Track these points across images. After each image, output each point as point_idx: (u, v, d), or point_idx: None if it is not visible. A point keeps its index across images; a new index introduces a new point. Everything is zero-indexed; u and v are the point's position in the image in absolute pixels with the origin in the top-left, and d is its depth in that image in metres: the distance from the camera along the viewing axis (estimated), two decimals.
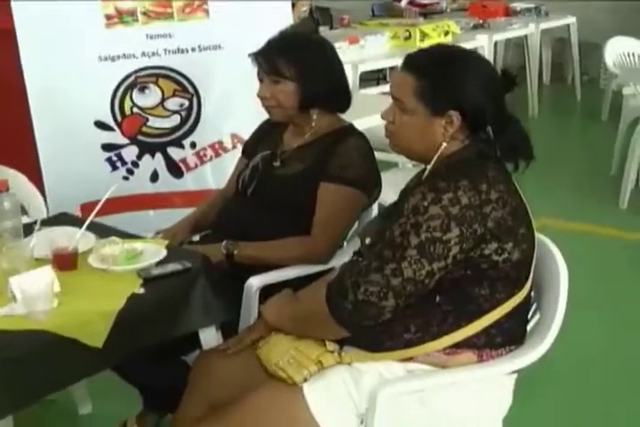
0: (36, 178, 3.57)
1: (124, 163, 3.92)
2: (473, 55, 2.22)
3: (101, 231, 2.53)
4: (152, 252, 2.40)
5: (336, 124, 2.82)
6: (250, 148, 3.04)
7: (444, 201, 1.99)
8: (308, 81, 2.73)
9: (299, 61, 2.73)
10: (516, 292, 2.08)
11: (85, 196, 3.51)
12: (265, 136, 3.00)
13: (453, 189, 2.00)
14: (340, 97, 2.83)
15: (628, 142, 5.35)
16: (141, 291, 2.20)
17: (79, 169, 3.80)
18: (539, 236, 2.23)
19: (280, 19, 3.94)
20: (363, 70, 5.89)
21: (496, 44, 8.23)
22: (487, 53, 6.89)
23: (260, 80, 2.79)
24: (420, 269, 1.96)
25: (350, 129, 2.82)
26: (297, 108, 2.76)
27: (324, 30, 6.96)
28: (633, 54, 6.00)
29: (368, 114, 3.49)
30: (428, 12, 8.27)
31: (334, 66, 2.83)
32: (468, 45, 6.69)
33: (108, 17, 3.74)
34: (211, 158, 3.96)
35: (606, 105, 7.23)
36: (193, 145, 3.98)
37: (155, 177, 3.98)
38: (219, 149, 3.96)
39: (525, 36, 7.60)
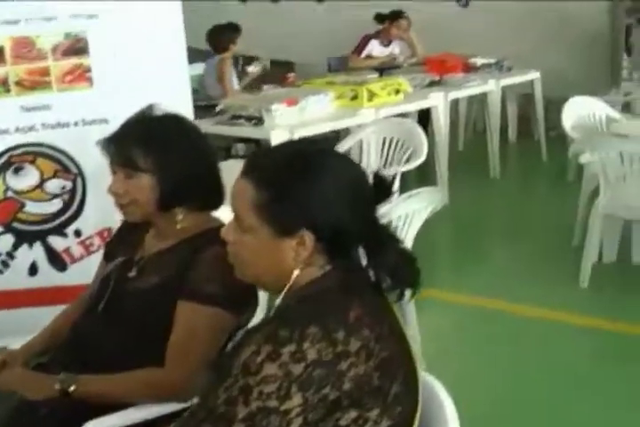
0: None
1: None
2: (332, 157, 1.72)
3: None
4: None
5: (204, 224, 2.31)
6: (110, 250, 2.53)
7: (285, 356, 1.49)
8: (169, 174, 2.24)
9: (158, 151, 2.24)
10: None
11: None
12: (127, 236, 2.49)
13: (298, 340, 1.49)
14: (210, 192, 2.32)
15: (589, 213, 4.87)
16: None
17: None
18: (429, 381, 1.72)
19: (177, 86, 3.48)
20: (300, 135, 5.41)
21: (457, 100, 7.83)
22: (442, 113, 6.42)
23: (113, 172, 2.29)
24: None
25: (218, 232, 2.31)
26: (156, 207, 2.26)
27: (267, 89, 6.48)
28: (594, 115, 5.53)
29: None
30: (384, 67, 7.83)
31: (202, 156, 2.33)
32: (421, 105, 6.27)
33: None
34: (98, 248, 3.43)
35: (572, 165, 6.76)
36: (77, 233, 3.47)
37: (34, 270, 3.46)
38: (107, 237, 3.43)
39: (485, 93, 7.15)
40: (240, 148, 7.17)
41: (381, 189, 1.72)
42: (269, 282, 1.71)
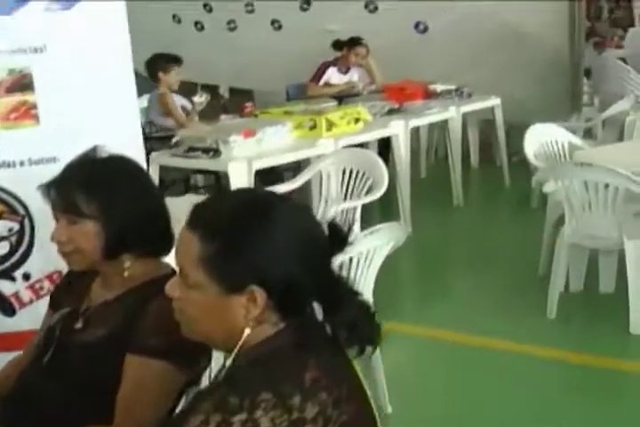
0: None
1: None
2: (283, 207, 1.60)
3: None
4: None
5: (153, 272, 2.18)
6: (56, 299, 2.39)
7: (236, 426, 1.36)
8: (115, 220, 2.11)
9: (102, 195, 2.12)
10: None
11: None
12: (73, 285, 2.35)
13: (249, 408, 1.38)
14: (158, 238, 2.19)
15: (555, 242, 4.79)
16: None
17: None
18: None
19: (127, 121, 3.36)
20: (259, 167, 5.30)
21: (418, 127, 7.76)
22: (402, 141, 6.34)
23: (56, 219, 2.17)
24: None
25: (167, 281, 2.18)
26: (102, 255, 2.13)
27: (225, 119, 6.36)
28: (556, 142, 5.46)
29: None
30: (343, 95, 7.74)
31: (149, 200, 2.20)
32: (381, 133, 6.19)
33: None
34: (48, 292, 3.26)
35: (536, 191, 6.69)
36: (26, 277, 3.31)
37: None
38: (57, 280, 3.28)
39: (446, 120, 7.07)
40: (199, 179, 7.07)
41: (337, 240, 1.61)
42: (218, 341, 1.59)
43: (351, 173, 4.85)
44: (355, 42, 7.94)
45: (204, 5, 9.65)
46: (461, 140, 7.92)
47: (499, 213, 7.13)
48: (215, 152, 5.31)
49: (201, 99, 6.31)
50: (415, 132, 7.90)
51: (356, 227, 4.70)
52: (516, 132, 8.71)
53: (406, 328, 4.69)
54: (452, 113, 6.97)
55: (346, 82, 8.02)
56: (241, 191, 1.73)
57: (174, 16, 9.94)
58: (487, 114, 7.82)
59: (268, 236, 1.51)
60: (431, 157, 8.64)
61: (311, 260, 1.55)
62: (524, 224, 6.48)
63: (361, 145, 6.91)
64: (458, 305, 5.08)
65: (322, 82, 7.99)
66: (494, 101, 7.54)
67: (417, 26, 8.55)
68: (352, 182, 4.84)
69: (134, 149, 3.17)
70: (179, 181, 6.68)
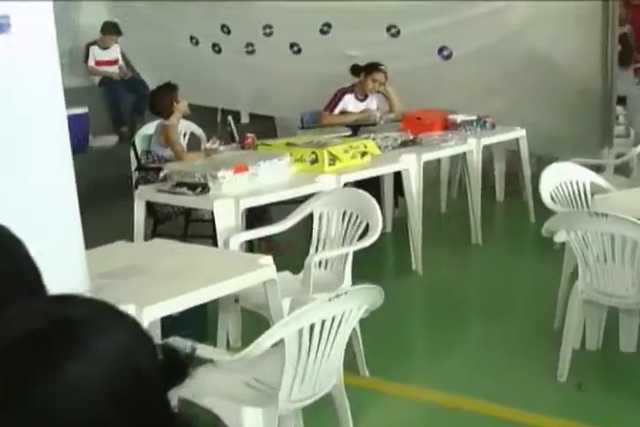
0: None
1: None
2: (95, 328, 1.15)
3: None
4: None
5: None
6: None
7: None
8: None
9: None
10: None
11: None
12: None
13: None
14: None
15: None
16: None
17: None
18: None
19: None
20: (248, 206, 4.88)
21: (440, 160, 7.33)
22: (414, 177, 5.88)
23: None
24: None
25: None
26: None
27: (224, 150, 5.94)
28: (576, 183, 4.97)
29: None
30: (359, 125, 7.30)
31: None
32: (390, 169, 5.75)
33: None
34: None
35: None
36: None
37: None
38: None
39: (464, 153, 6.60)
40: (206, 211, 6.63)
41: (173, 369, 1.16)
42: None
43: (344, 215, 4.40)
44: (373, 67, 7.50)
45: (222, 27, 9.28)
46: (487, 171, 7.52)
47: (519, 254, 6.61)
48: (203, 188, 4.91)
49: (213, 145, 5.89)
50: (436, 163, 7.47)
51: (347, 277, 4.25)
52: (545, 165, 8.24)
53: (392, 388, 4.25)
54: (471, 146, 6.49)
55: (362, 110, 7.58)
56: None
57: (192, 38, 9.60)
58: (514, 145, 7.34)
59: (71, 370, 1.07)
60: (453, 189, 8.15)
61: (131, 399, 1.11)
62: (544, 267, 5.95)
63: (376, 178, 6.49)
64: (458, 363, 4.60)
65: (338, 110, 7.55)
66: (519, 133, 7.06)
67: (441, 51, 8.10)
68: (343, 227, 4.38)
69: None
70: (179, 214, 6.25)
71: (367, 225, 4.28)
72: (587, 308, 4.29)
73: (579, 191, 4.95)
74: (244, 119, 10.68)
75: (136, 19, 9.82)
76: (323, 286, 4.21)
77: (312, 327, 2.83)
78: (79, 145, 8.78)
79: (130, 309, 2.91)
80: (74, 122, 8.68)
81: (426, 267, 5.99)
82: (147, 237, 5.88)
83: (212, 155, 5.74)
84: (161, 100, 6.16)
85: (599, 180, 5.01)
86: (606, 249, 3.88)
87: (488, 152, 7.53)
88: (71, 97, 9.46)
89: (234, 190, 4.89)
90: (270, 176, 5.14)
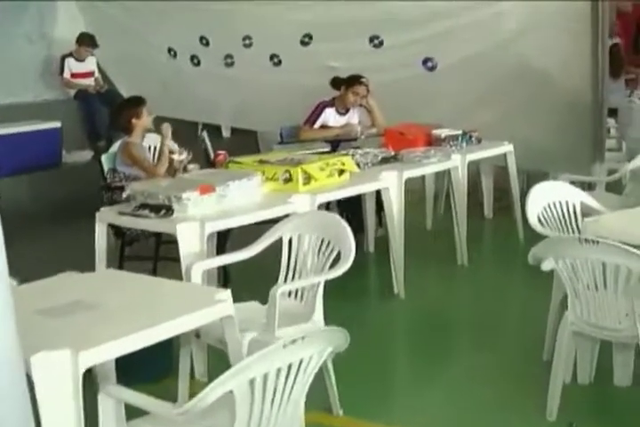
0: None
1: None
2: None
3: None
4: None
5: None
6: None
7: None
8: None
9: None
10: None
11: None
12: None
13: None
14: None
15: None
16: None
17: None
18: None
19: None
20: (215, 230, 4.56)
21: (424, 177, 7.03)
22: (394, 195, 5.56)
23: None
24: None
25: None
26: None
27: (193, 168, 5.63)
28: (566, 203, 4.66)
29: None
30: (339, 140, 6.99)
31: None
32: (368, 187, 5.48)
33: None
34: None
35: None
36: None
37: None
38: None
39: (448, 170, 6.29)
40: None
41: None
42: None
43: (315, 240, 4.08)
44: (354, 80, 7.19)
45: (201, 39, 8.98)
46: (476, 186, 7.23)
47: (506, 276, 6.28)
48: (167, 211, 4.59)
49: (181, 157, 5.58)
50: (421, 178, 7.17)
51: (318, 308, 3.93)
52: (534, 181, 7.93)
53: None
54: (455, 162, 6.18)
55: (343, 124, 7.27)
56: None
57: (170, 50, 9.28)
58: (502, 160, 7.02)
59: None
60: (440, 205, 7.83)
61: None
62: (533, 290, 5.62)
63: (357, 196, 6.17)
64: (441, 398, 4.28)
65: (318, 124, 7.24)
66: (506, 148, 6.75)
67: (425, 62, 7.80)
68: (314, 254, 4.06)
69: None
70: (149, 235, 5.91)
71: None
72: (578, 339, 3.97)
73: (568, 213, 4.62)
74: (226, 133, 10.40)
75: (113, 30, 9.51)
76: (292, 316, 3.90)
77: (266, 377, 2.51)
78: (52, 160, 8.50)
79: (63, 354, 2.59)
80: (46, 136, 8.50)
81: (408, 290, 5.68)
82: (116, 260, 5.59)
83: (179, 167, 5.46)
84: (119, 117, 5.86)
85: (590, 200, 4.69)
86: (597, 278, 3.56)
87: (476, 166, 7.23)
88: (44, 111, 9.23)
89: (200, 213, 4.57)
90: (240, 197, 4.82)
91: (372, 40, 7.99)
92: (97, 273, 3.64)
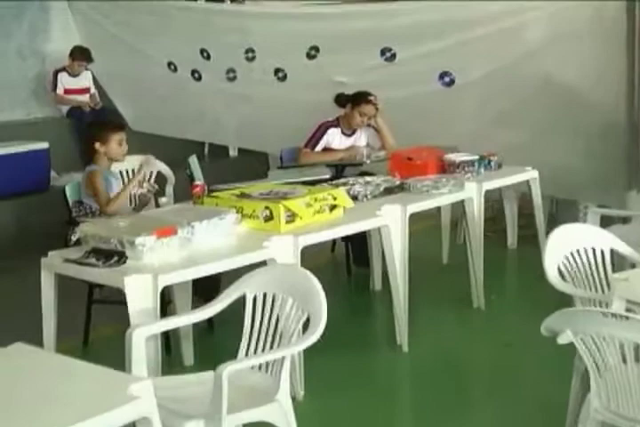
0: None
1: None
2: None
3: None
4: None
5: None
6: None
7: None
8: None
9: None
10: None
11: None
12: None
13: None
14: None
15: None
16: None
17: None
18: None
19: None
20: (169, 283, 3.85)
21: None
22: (395, 235, 4.82)
23: None
24: None
25: None
26: None
27: (165, 203, 4.94)
28: (593, 251, 3.90)
29: None
30: (344, 164, 6.28)
31: None
32: (364, 226, 4.73)
33: None
34: None
35: None
36: None
37: None
38: None
39: (463, 201, 5.54)
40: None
41: None
42: None
43: (282, 301, 3.36)
44: (361, 98, 6.46)
45: (202, 51, 8.30)
46: (500, 211, 6.82)
47: (528, 323, 5.48)
48: (120, 258, 3.89)
49: (140, 190, 4.94)
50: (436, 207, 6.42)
51: (283, 385, 3.20)
52: (563, 206, 7.19)
53: None
54: (470, 193, 5.44)
55: (349, 147, 6.55)
56: None
57: (170, 64, 8.60)
58: (525, 186, 6.27)
59: None
60: (459, 234, 7.08)
61: None
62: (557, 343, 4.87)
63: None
64: None
65: (320, 146, 6.52)
66: (530, 174, 5.99)
67: (442, 77, 7.04)
68: (282, 316, 3.35)
69: None
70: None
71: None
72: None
73: (596, 263, 3.86)
74: (233, 152, 9.72)
75: (109, 43, 8.87)
76: (252, 395, 3.19)
77: None
78: (38, 184, 7.86)
79: None
80: (32, 159, 7.84)
81: (413, 340, 4.97)
82: (83, 304, 4.96)
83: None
84: (85, 140, 5.20)
85: (622, 246, 3.92)
86: (627, 359, 2.80)
87: (499, 190, 6.49)
88: (32, 130, 8.48)
89: (159, 260, 3.88)
90: (208, 240, 4.11)
91: (383, 53, 7.26)
92: (5, 350, 2.91)
